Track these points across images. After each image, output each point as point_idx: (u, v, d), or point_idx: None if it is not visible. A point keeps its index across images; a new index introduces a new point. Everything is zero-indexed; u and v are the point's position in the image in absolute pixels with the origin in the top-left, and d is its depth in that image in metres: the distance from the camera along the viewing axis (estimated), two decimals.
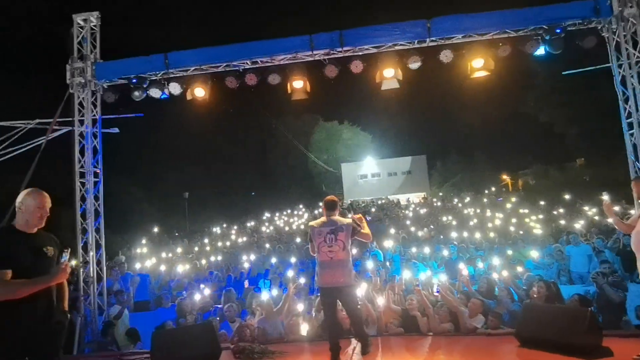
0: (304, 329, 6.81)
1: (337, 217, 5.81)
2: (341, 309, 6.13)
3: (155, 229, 24.09)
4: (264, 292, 7.73)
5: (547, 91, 27.79)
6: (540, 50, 7.46)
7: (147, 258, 14.49)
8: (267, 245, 16.34)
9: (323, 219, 5.84)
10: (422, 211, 25.11)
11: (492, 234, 14.68)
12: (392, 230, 17.20)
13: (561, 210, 19.04)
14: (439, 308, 6.59)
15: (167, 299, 9.40)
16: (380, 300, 6.84)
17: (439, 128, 48.61)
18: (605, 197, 6.27)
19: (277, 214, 28.75)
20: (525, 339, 5.67)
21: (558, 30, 7.18)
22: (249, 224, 24.22)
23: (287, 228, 21.45)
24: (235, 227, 22.33)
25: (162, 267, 11.16)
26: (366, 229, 5.87)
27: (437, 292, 6.68)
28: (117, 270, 11.19)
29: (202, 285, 9.72)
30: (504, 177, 48.13)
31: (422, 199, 35.45)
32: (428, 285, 7.34)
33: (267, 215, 28.17)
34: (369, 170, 46.33)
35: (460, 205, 26.31)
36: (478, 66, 7.39)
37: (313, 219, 25.27)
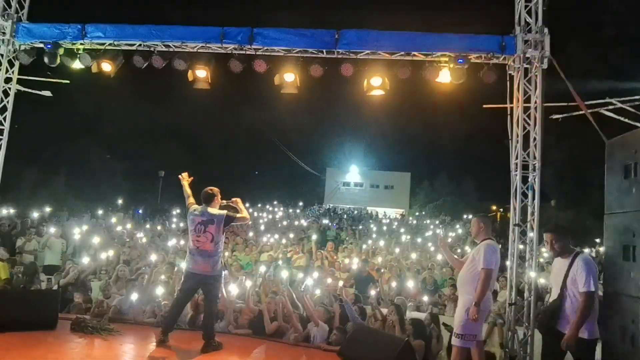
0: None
1: (211, 208, 5.94)
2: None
3: (120, 201, 24.14)
4: None
5: None
6: (445, 78, 7.43)
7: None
8: None
9: (201, 207, 5.98)
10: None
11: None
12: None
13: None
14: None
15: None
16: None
17: (433, 147, 48.31)
18: (440, 232, 6.28)
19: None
20: (347, 358, 5.66)
21: (461, 61, 7.13)
22: None
23: None
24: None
25: (77, 236, 11.23)
26: (244, 213, 6.11)
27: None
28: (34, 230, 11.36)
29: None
30: (494, 207, 47.70)
31: (401, 215, 35.41)
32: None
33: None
34: (352, 179, 46.31)
35: (431, 227, 26.14)
36: (376, 84, 7.36)
37: (287, 217, 25.25)
